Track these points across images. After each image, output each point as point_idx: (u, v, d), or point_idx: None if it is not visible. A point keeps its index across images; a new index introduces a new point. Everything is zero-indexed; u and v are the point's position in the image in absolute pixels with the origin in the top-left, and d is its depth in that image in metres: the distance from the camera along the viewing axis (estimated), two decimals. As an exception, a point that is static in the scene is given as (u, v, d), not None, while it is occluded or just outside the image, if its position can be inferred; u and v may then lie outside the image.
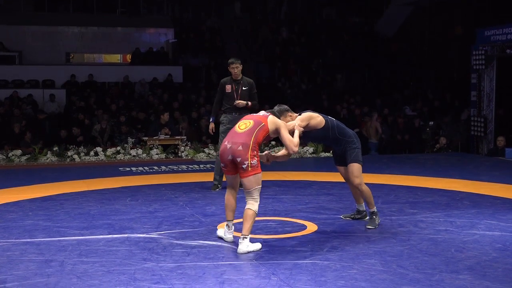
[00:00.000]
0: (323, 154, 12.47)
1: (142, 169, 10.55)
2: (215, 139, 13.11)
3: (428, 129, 14.31)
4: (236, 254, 4.94)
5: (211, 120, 8.27)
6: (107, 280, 4.30)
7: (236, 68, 7.90)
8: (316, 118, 5.79)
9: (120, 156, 12.21)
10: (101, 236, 5.59)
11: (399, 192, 7.82)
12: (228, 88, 7.96)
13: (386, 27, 21.86)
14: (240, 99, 7.89)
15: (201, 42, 20.50)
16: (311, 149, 12.54)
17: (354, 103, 16.61)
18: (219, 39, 20.76)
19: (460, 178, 9.01)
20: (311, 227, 5.92)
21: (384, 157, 12.24)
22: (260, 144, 5.23)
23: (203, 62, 19.53)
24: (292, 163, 11.42)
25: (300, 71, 19.21)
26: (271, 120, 5.37)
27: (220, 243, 5.30)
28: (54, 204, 7.20)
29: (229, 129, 7.82)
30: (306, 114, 5.77)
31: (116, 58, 21.76)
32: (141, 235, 5.62)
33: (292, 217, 6.40)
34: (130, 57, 20.48)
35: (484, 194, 7.66)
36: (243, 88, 7.93)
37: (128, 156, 12.22)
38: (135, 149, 12.38)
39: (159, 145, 12.45)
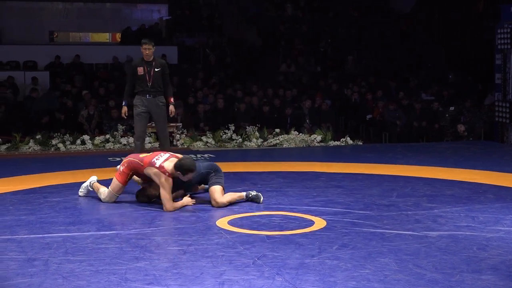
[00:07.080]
0: (332, 143, 12.43)
1: (134, 159, 10.53)
2: (214, 126, 13.14)
3: (447, 115, 14.26)
4: (237, 252, 4.95)
5: (123, 104, 8.76)
6: (96, 281, 4.31)
7: (148, 50, 8.37)
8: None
9: (109, 145, 12.20)
10: (89, 233, 5.60)
11: (415, 185, 7.82)
12: (140, 70, 8.45)
13: (402, 2, 21.74)
14: (152, 81, 8.43)
15: (198, 19, 20.41)
16: (319, 137, 12.51)
17: (366, 86, 16.57)
18: (217, 17, 20.67)
19: (483, 169, 9.00)
20: (319, 223, 5.92)
21: (399, 146, 12.23)
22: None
23: (200, 41, 19.46)
24: (298, 152, 11.42)
25: (307, 52, 19.14)
26: (154, 172, 6.37)
27: (219, 240, 5.30)
28: (38, 197, 7.20)
29: (142, 112, 8.50)
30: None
31: (105, 37, 21.71)
32: (132, 232, 5.63)
33: (298, 211, 6.40)
34: (120, 36, 20.42)
35: (509, 187, 7.65)
36: (156, 70, 8.44)
37: (118, 145, 12.22)
38: (125, 137, 12.36)
39: (152, 133, 12.42)
